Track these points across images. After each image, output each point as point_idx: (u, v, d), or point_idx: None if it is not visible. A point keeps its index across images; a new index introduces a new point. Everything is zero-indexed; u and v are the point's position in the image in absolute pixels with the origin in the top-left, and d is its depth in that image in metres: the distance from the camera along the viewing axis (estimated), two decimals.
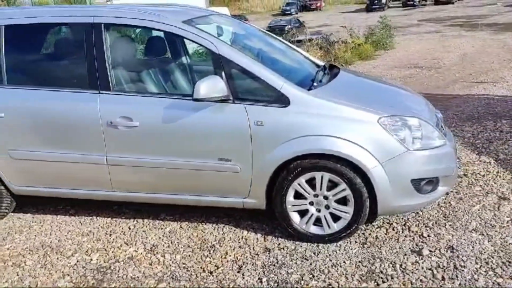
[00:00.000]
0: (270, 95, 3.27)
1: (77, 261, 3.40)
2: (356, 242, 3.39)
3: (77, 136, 3.55)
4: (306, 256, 3.27)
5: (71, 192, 3.79)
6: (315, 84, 3.50)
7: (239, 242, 3.51)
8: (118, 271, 3.26)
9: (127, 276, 3.20)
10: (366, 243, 3.37)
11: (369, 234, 3.49)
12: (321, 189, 3.28)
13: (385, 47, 14.87)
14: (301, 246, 3.39)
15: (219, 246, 3.49)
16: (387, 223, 3.62)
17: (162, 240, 3.63)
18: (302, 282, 2.98)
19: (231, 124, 3.28)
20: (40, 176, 3.76)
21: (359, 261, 3.15)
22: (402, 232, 3.48)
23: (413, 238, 3.38)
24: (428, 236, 3.39)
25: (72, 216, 4.12)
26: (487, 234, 3.37)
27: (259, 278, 3.06)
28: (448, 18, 28.77)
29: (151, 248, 3.52)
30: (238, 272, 3.15)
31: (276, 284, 2.98)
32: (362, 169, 3.13)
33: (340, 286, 2.91)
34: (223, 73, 3.27)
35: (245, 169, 3.34)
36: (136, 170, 3.54)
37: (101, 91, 3.47)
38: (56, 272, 3.29)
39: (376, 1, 40.94)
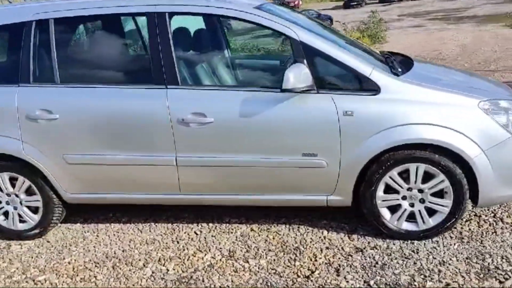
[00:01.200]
0: (358, 83, 3.05)
1: (153, 272, 3.09)
2: (451, 237, 3.18)
3: (142, 136, 3.23)
4: (405, 254, 3.04)
5: (131, 198, 3.46)
6: (399, 70, 3.27)
7: (324, 243, 3.26)
8: (203, 281, 2.96)
9: (214, 285, 2.91)
10: (463, 238, 3.16)
11: (461, 228, 3.29)
12: (415, 181, 3.06)
13: (380, 41, 14.85)
14: (394, 244, 3.16)
15: (303, 248, 3.23)
16: (474, 215, 3.44)
17: (237, 244, 3.34)
18: (415, 283, 2.75)
19: (318, 115, 3.03)
20: (99, 182, 3.40)
21: (467, 258, 2.94)
22: (496, 224, 3.30)
23: None
24: None
25: (126, 223, 3.78)
26: None
27: (365, 281, 2.82)
28: (426, 12, 29.17)
29: (229, 254, 3.24)
30: (338, 275, 2.90)
31: (388, 287, 2.75)
32: (464, 158, 2.93)
33: (460, 286, 2.70)
34: (305, 61, 3.02)
35: (332, 164, 3.09)
36: (208, 170, 3.25)
37: (168, 86, 3.17)
38: (133, 285, 2.97)
39: None
